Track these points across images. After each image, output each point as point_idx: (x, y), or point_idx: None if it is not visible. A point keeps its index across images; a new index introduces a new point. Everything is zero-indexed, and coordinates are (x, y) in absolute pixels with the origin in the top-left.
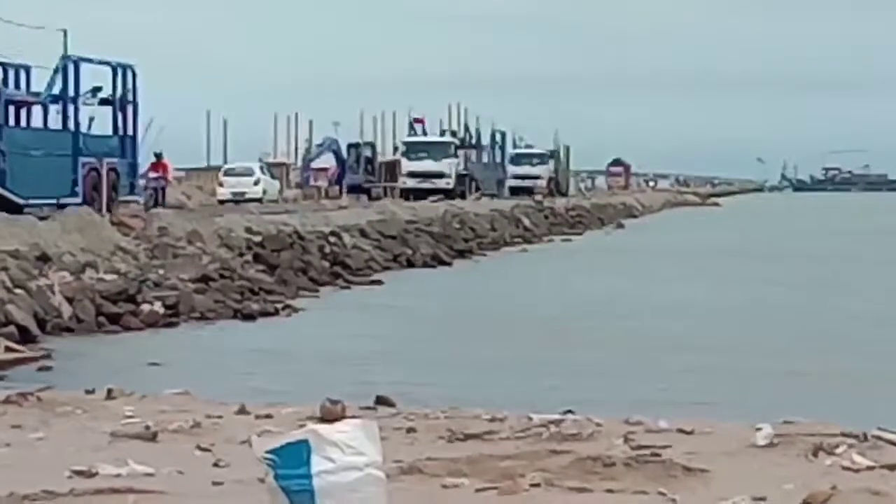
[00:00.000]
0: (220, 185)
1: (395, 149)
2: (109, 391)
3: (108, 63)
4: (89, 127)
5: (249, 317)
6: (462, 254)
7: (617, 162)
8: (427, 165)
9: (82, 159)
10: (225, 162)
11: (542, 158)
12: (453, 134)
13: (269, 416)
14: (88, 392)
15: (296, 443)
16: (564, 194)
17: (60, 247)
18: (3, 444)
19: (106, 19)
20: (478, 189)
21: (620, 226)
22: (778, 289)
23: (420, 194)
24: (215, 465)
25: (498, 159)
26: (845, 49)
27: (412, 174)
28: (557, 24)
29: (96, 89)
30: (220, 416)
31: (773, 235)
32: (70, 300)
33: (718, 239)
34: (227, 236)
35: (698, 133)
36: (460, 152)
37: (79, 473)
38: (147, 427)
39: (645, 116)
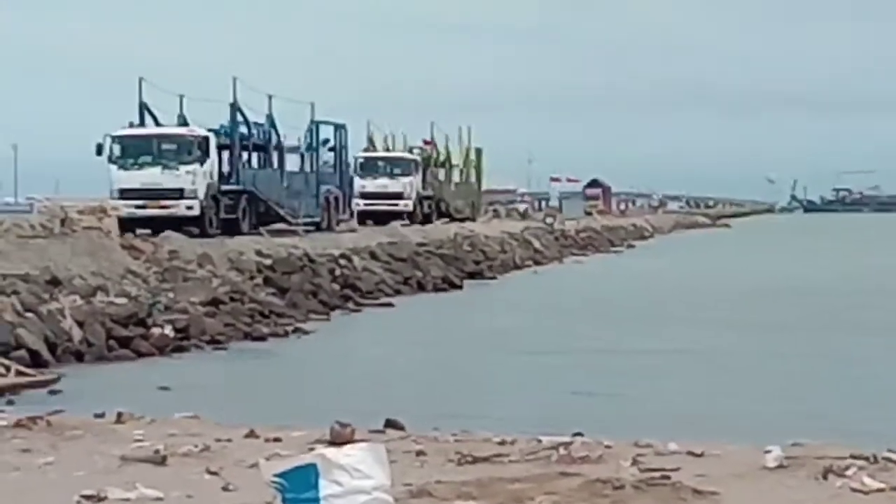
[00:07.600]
0: None
1: (99, 148)
2: (119, 415)
3: None
4: None
5: (260, 339)
6: (472, 276)
7: (594, 183)
8: (151, 177)
9: None
10: None
11: (406, 167)
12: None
13: (278, 440)
14: (98, 416)
15: (304, 467)
16: (472, 219)
17: (71, 270)
18: (12, 468)
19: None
20: (268, 215)
21: (631, 246)
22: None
23: (148, 225)
24: (224, 488)
25: (331, 168)
26: (857, 68)
27: (126, 193)
28: (557, 38)
29: None
30: (229, 440)
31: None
32: (81, 324)
33: (725, 262)
34: (237, 259)
35: (707, 153)
36: (224, 155)
37: (88, 498)
38: (156, 451)
39: (653, 136)
